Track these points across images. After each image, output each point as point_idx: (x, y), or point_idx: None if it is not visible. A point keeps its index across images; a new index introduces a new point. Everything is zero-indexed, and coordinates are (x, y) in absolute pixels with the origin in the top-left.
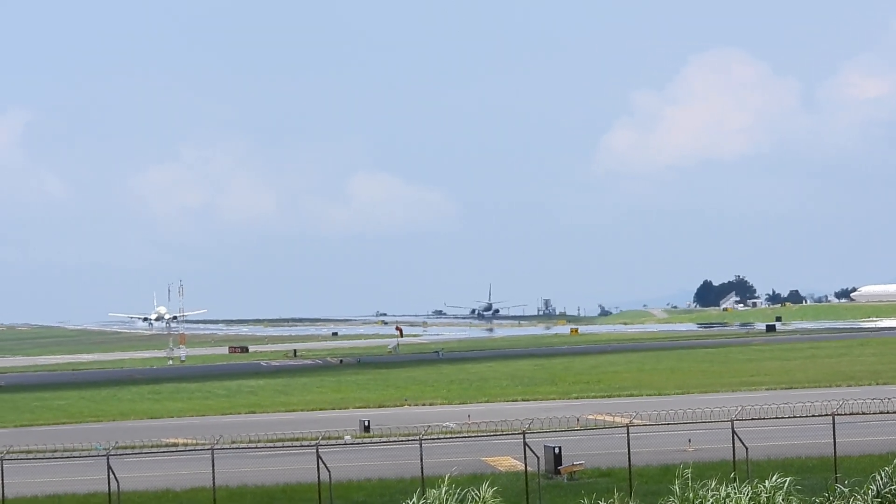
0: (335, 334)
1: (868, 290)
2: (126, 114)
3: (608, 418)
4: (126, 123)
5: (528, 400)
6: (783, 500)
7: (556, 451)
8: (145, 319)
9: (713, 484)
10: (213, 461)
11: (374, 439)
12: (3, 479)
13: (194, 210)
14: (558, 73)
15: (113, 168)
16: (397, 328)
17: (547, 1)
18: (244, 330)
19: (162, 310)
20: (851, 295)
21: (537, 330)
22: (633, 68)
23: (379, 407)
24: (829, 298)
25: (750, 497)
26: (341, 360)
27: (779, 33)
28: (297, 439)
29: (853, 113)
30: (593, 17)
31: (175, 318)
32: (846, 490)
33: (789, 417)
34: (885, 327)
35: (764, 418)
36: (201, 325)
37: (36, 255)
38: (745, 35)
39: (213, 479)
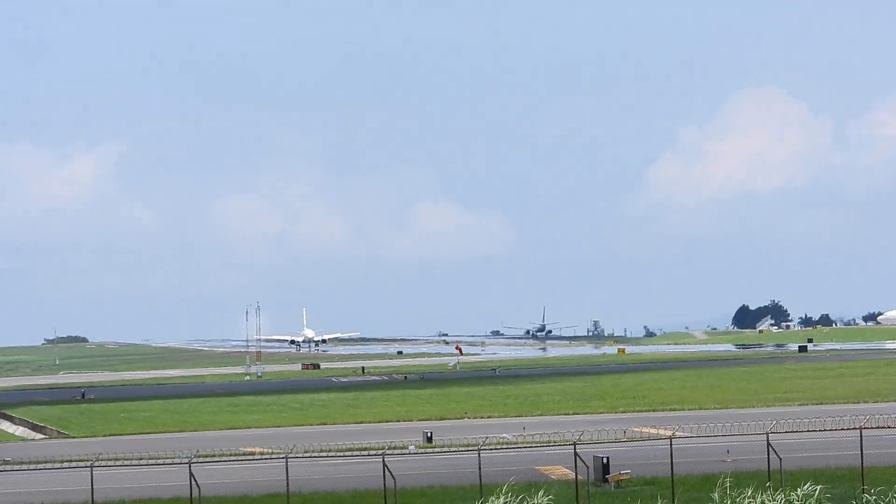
0: (400, 353)
1: (893, 314)
2: (208, 146)
3: (653, 431)
4: (208, 155)
5: (578, 414)
6: None
7: (605, 460)
8: (292, 342)
9: (750, 492)
10: (286, 469)
11: (437, 449)
12: (93, 484)
13: (271, 237)
14: (608, 109)
15: (196, 197)
16: (457, 348)
17: (599, 43)
18: (316, 348)
19: (309, 332)
20: (878, 318)
21: (587, 350)
22: (677, 105)
23: (441, 420)
24: (857, 322)
25: None
26: (406, 377)
27: (815, 73)
28: (365, 449)
29: (882, 149)
30: (640, 57)
31: (324, 340)
32: (872, 499)
33: (820, 431)
34: None
35: (797, 431)
36: (276, 344)
37: (127, 279)
38: (783, 74)
39: (287, 485)
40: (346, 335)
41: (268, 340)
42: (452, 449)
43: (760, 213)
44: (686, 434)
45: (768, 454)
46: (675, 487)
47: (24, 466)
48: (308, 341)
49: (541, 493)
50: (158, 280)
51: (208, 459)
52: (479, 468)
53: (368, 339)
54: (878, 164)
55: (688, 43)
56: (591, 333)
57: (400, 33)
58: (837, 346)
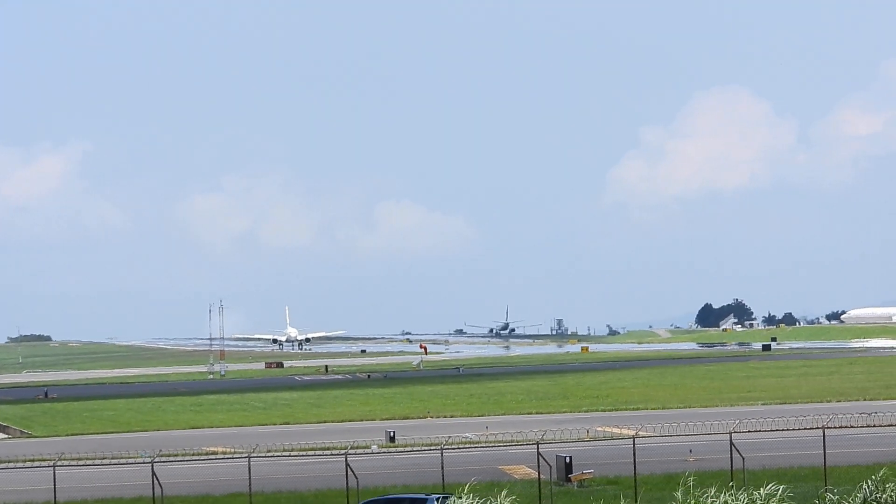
0: (363, 351)
1: (856, 312)
2: (175, 146)
3: (616, 430)
4: (175, 155)
5: (541, 413)
6: None
7: (567, 460)
8: (275, 341)
9: (713, 491)
10: (249, 468)
11: (399, 449)
12: (55, 484)
13: (237, 237)
14: (571, 108)
15: (162, 196)
16: (422, 346)
17: (562, 42)
18: (300, 348)
19: (293, 331)
20: (841, 317)
21: (551, 348)
22: (641, 104)
23: (404, 419)
24: (820, 320)
25: (746, 503)
26: (369, 376)
27: (778, 73)
28: (328, 448)
29: (846, 149)
30: (603, 56)
31: (308, 339)
32: (835, 498)
33: (783, 430)
34: (872, 347)
35: (760, 431)
36: (240, 343)
37: (93, 278)
38: (747, 74)
39: (250, 485)
40: (331, 333)
41: (248, 339)
42: (415, 448)
43: (724, 213)
44: (649, 433)
45: (731, 453)
46: (638, 487)
47: None
48: (291, 340)
49: (504, 493)
50: (124, 279)
51: (171, 459)
52: (442, 468)
53: (332, 338)
54: (842, 163)
55: (651, 42)
56: (554, 332)
57: (364, 35)
58: (801, 345)
